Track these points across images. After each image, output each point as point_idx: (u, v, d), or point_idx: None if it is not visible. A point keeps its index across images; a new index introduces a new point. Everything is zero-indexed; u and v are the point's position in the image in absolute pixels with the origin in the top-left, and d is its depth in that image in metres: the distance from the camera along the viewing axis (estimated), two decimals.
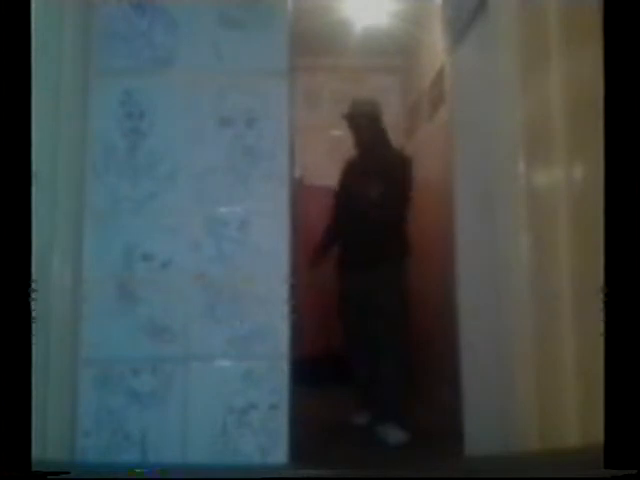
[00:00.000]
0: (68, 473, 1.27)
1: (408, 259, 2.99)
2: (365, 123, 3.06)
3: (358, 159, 3.12)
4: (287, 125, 1.81)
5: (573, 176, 1.62)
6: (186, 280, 1.74)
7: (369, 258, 2.89)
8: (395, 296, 2.87)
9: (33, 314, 1.34)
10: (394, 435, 2.70)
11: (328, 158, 3.94)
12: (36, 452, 1.29)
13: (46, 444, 1.55)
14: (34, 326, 1.33)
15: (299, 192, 2.46)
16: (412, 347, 3.06)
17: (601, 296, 1.27)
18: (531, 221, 1.67)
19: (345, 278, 3.06)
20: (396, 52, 4.22)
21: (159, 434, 1.67)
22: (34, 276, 1.37)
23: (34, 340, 1.33)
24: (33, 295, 1.35)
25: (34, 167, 1.40)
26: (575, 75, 1.63)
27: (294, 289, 1.76)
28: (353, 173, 3.11)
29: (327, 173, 3.42)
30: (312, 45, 3.62)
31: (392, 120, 4.43)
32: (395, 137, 4.27)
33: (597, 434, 1.21)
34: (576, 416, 1.52)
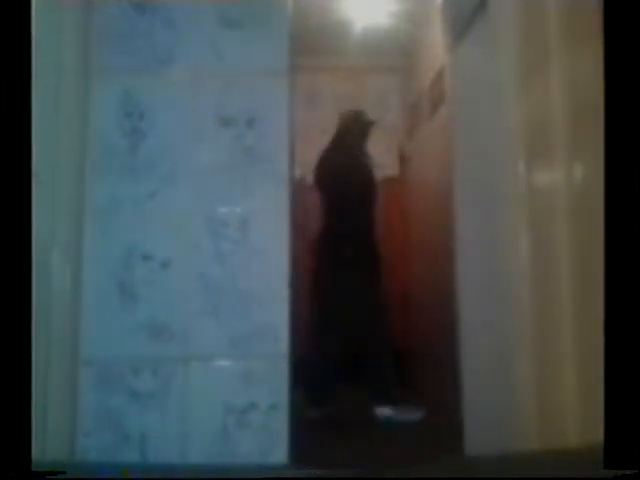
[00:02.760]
0: (67, 473, 1.27)
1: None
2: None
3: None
4: (287, 125, 1.81)
5: (573, 176, 1.62)
6: (186, 280, 1.74)
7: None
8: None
9: (33, 314, 1.33)
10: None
11: None
12: (36, 452, 1.29)
13: (46, 444, 1.55)
14: (34, 326, 1.33)
15: (299, 192, 2.46)
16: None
17: (601, 295, 1.27)
18: (531, 221, 1.67)
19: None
20: (396, 52, 4.21)
21: (159, 434, 1.67)
22: (34, 276, 1.36)
23: (34, 340, 1.33)
24: (33, 295, 1.35)
25: (34, 167, 1.40)
26: (575, 75, 1.63)
27: (294, 289, 1.76)
28: None
29: None
30: (312, 45, 3.61)
31: (392, 120, 4.46)
32: (395, 138, 4.32)
33: (597, 434, 1.20)
34: (576, 415, 1.52)
